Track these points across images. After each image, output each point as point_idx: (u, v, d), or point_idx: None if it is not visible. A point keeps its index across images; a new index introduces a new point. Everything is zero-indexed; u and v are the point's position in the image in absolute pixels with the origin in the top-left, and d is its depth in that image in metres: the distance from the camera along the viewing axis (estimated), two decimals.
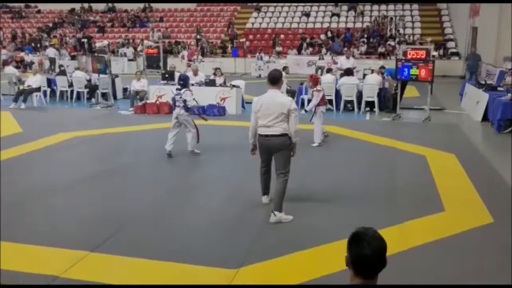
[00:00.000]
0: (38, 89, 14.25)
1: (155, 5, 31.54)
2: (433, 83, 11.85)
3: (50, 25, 31.62)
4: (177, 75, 14.15)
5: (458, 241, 4.97)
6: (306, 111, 9.53)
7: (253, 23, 29.01)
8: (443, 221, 5.54)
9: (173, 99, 8.31)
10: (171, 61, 19.11)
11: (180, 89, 8.22)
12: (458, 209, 5.88)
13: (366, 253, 2.20)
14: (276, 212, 5.42)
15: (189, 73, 14.23)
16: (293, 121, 5.37)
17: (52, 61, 24.18)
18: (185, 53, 24.60)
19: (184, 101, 8.10)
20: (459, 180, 7.05)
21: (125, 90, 15.69)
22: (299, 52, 25.40)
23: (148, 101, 13.09)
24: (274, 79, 5.52)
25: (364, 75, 13.94)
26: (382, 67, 14.08)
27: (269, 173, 5.84)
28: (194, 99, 8.37)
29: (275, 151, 5.49)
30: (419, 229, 5.33)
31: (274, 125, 5.37)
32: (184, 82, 8.34)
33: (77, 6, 32.62)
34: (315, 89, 9.22)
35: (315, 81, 9.44)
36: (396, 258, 4.51)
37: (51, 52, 25.35)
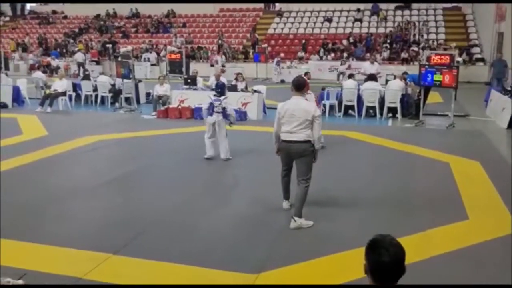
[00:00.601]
0: (63, 94, 14.54)
1: (178, 11, 31.91)
2: (457, 89, 11.68)
3: (76, 30, 32.25)
4: (199, 80, 14.36)
5: (481, 251, 4.87)
6: None
7: (275, 28, 29.09)
8: (466, 229, 5.45)
9: (211, 105, 8.30)
10: (194, 66, 19.27)
11: (218, 96, 8.31)
12: (482, 217, 5.78)
13: (385, 260, 2.19)
14: (296, 218, 5.43)
15: (212, 78, 14.40)
16: (317, 127, 5.42)
17: (81, 65, 24.68)
18: (218, 58, 24.77)
19: (224, 108, 8.23)
20: (483, 188, 6.93)
21: (148, 94, 15.90)
22: (321, 58, 25.36)
23: (170, 106, 13.23)
24: (299, 86, 5.61)
25: (387, 80, 13.83)
26: (405, 72, 13.95)
27: (289, 176, 5.86)
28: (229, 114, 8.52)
29: (297, 157, 5.53)
30: (442, 237, 5.25)
31: (297, 132, 5.42)
32: (221, 89, 8.46)
33: (102, 11, 33.21)
34: (306, 93, 9.33)
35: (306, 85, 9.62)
36: (417, 267, 4.46)
37: (79, 56, 25.85)
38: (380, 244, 2.24)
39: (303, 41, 26.94)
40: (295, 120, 5.41)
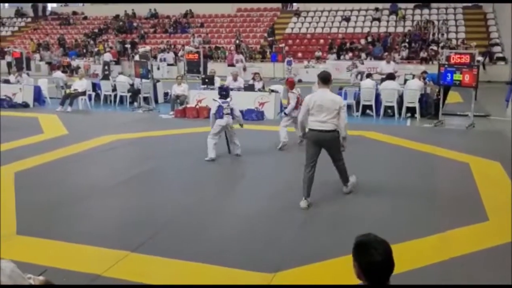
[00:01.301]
0: (83, 93, 14.74)
1: (196, 11, 32.07)
2: (478, 89, 11.50)
3: (96, 31, 32.66)
4: (217, 79, 14.41)
5: (502, 253, 4.79)
6: (285, 113, 9.55)
7: (292, 28, 29.03)
8: (487, 230, 5.38)
9: (220, 108, 8.30)
10: (211, 66, 19.36)
11: (225, 98, 8.42)
12: (502, 218, 5.68)
13: (378, 259, 2.21)
14: (347, 184, 6.34)
15: (229, 78, 14.45)
16: (343, 116, 6.01)
17: (106, 64, 24.98)
18: (240, 57, 24.81)
19: (232, 109, 8.36)
20: (504, 189, 6.81)
21: (166, 94, 16.02)
22: (338, 57, 25.22)
23: (188, 105, 13.31)
24: (325, 79, 6.09)
25: (405, 80, 13.69)
26: (424, 72, 13.80)
27: (314, 172, 6.07)
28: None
29: (327, 144, 6.04)
30: (461, 238, 5.19)
31: (327, 121, 5.91)
32: (226, 92, 8.63)
33: (121, 12, 33.56)
34: (290, 91, 9.51)
35: (290, 84, 9.74)
36: (435, 268, 4.42)
37: (107, 56, 26.16)
38: (368, 244, 2.25)
39: (330, 40, 26.67)
40: (324, 110, 5.89)
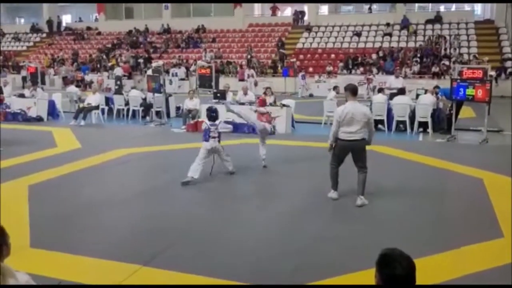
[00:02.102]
0: (96, 107, 14.89)
1: (208, 26, 32.41)
2: (491, 104, 11.43)
3: (109, 46, 33.11)
4: (229, 95, 14.49)
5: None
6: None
7: (303, 43, 29.17)
8: (501, 247, 5.29)
9: (207, 131, 8.04)
10: (223, 80, 19.48)
11: (213, 121, 8.13)
12: None
13: (400, 273, 2.21)
14: (362, 197, 6.51)
15: (240, 92, 14.53)
16: (372, 128, 6.60)
17: (118, 79, 25.30)
18: (252, 72, 24.98)
19: (219, 133, 8.10)
20: None
21: (178, 108, 16.13)
22: (349, 72, 25.24)
23: (200, 120, 13.35)
24: (355, 91, 6.58)
25: (417, 95, 13.66)
26: (437, 86, 13.76)
27: (338, 170, 6.76)
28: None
29: (357, 152, 6.51)
30: (476, 255, 5.12)
31: (358, 132, 6.38)
32: (216, 114, 8.29)
33: (134, 27, 34.02)
34: (259, 109, 9.37)
35: (261, 102, 9.62)
36: (450, 284, 4.36)
37: (118, 71, 26.51)
38: (392, 258, 2.26)
39: (344, 56, 26.66)
40: (356, 122, 6.33)
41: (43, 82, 18.15)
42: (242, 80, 24.15)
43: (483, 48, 24.90)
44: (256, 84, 23.83)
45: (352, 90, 6.50)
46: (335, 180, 6.79)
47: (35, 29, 37.48)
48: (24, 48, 35.73)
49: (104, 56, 31.33)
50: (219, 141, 8.15)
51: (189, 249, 5.29)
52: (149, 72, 16.20)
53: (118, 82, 23.64)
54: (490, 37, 26.20)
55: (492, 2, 26.53)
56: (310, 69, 26.44)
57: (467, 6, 32.22)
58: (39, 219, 6.13)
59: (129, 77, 27.37)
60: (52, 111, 15.59)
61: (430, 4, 32.70)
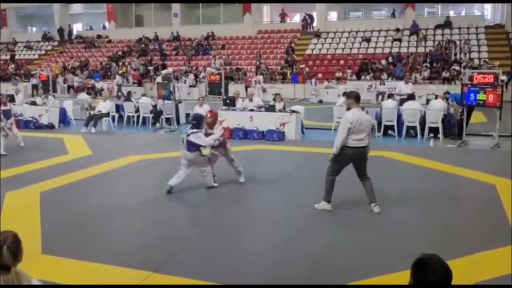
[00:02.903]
0: (107, 115, 14.99)
1: (217, 34, 32.58)
2: (502, 109, 11.33)
3: (120, 53, 33.38)
4: (239, 101, 14.52)
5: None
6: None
7: (312, 49, 29.18)
8: None
9: (182, 139, 7.82)
10: (233, 87, 19.55)
11: (192, 128, 7.72)
12: None
13: (432, 279, 2.18)
14: (375, 203, 6.50)
15: (246, 99, 14.55)
16: (370, 134, 6.60)
17: (119, 86, 25.64)
18: (260, 78, 25.03)
19: (189, 141, 7.63)
20: None
21: (188, 115, 16.16)
22: (359, 78, 25.20)
23: None
24: (358, 98, 6.51)
25: (428, 100, 13.58)
26: (447, 92, 13.68)
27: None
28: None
29: (361, 159, 6.47)
30: (490, 261, 5.06)
31: (365, 138, 6.38)
32: (197, 122, 7.83)
33: (144, 35, 34.31)
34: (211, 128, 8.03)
35: (214, 116, 8.23)
36: None
37: (119, 79, 26.83)
38: (429, 263, 2.24)
39: (365, 61, 26.54)
40: (364, 129, 6.33)
41: (54, 90, 18.31)
42: (248, 86, 24.21)
43: (494, 53, 24.74)
44: (264, 90, 23.86)
45: (356, 98, 6.45)
46: (331, 191, 6.57)
47: (46, 38, 37.95)
48: (36, 56, 36.17)
49: (114, 64, 31.59)
50: (198, 151, 7.72)
51: (200, 255, 5.29)
52: (158, 79, 16.28)
53: (120, 90, 24.01)
54: (501, 41, 26.02)
55: (502, 2, 26.11)
56: (319, 75, 26.42)
57: (477, 11, 32.08)
58: (50, 225, 6.17)
59: (139, 84, 27.56)
60: (63, 118, 15.72)
61: (439, 9, 32.61)
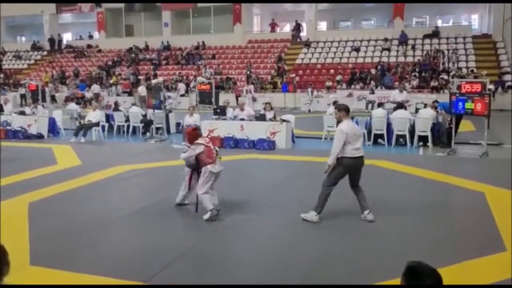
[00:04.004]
0: (97, 124, 14.92)
1: (207, 43, 32.67)
2: (490, 117, 11.45)
3: (110, 63, 33.32)
4: (229, 110, 14.53)
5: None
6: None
7: (302, 59, 29.38)
8: (505, 261, 5.25)
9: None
10: (223, 96, 19.58)
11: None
12: None
13: (430, 284, 2.20)
14: (369, 211, 6.56)
15: (236, 109, 14.57)
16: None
17: (97, 95, 25.76)
18: (251, 87, 25.08)
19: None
20: None
21: (178, 124, 16.17)
22: (349, 87, 25.37)
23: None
24: (348, 110, 6.67)
25: (417, 109, 13.70)
26: (436, 101, 13.81)
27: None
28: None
29: (359, 169, 6.58)
30: (479, 269, 5.08)
31: (360, 148, 6.51)
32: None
33: (135, 44, 34.30)
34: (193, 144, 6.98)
35: (188, 134, 7.26)
36: None
37: (96, 88, 27.08)
38: (419, 270, 2.25)
39: (355, 70, 26.74)
40: (358, 138, 6.51)
41: (43, 100, 18.20)
42: (238, 96, 24.27)
43: (481, 62, 25.10)
44: (254, 99, 23.95)
45: (346, 110, 6.61)
46: (324, 204, 6.53)
47: (36, 47, 37.79)
48: (25, 66, 36.00)
49: (105, 73, 31.51)
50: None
51: (190, 266, 5.26)
52: (140, 89, 16.18)
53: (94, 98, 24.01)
54: (488, 51, 26.40)
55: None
56: (310, 84, 26.54)
57: (464, 21, 32.57)
58: (39, 236, 6.10)
59: (130, 93, 27.49)
60: (53, 128, 15.64)
61: (428, 19, 33.05)
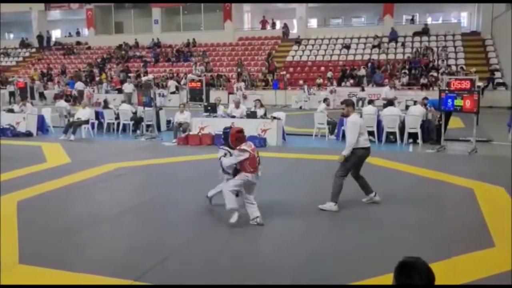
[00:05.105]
0: (86, 122, 14.81)
1: (198, 40, 32.57)
2: (479, 114, 11.55)
3: (99, 60, 33.09)
4: (220, 108, 14.49)
5: (509, 279, 4.73)
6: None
7: (293, 56, 29.38)
8: (493, 257, 5.31)
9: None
10: (214, 94, 19.55)
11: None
12: (509, 244, 5.62)
13: (417, 283, 2.18)
14: (375, 192, 7.26)
15: (231, 105, 14.55)
16: None
17: (81, 93, 25.55)
18: (242, 84, 25.04)
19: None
20: (509, 215, 6.74)
21: (168, 122, 16.11)
22: (339, 84, 25.43)
23: (190, 133, 13.36)
24: (354, 104, 7.48)
25: (407, 106, 13.77)
26: (425, 98, 13.89)
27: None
28: (223, 156, 6.59)
29: (365, 160, 7.16)
30: (468, 265, 5.13)
31: (367, 138, 7.15)
32: (224, 136, 6.84)
33: (125, 41, 34.08)
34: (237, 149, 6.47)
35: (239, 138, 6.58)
36: None
37: (80, 85, 26.92)
38: (411, 266, 2.24)
39: (345, 67, 26.72)
40: (366, 130, 7.30)
41: (32, 97, 18.03)
42: (231, 93, 24.23)
43: (470, 60, 25.27)
44: (245, 97, 23.92)
45: (353, 105, 7.31)
46: (339, 193, 6.92)
47: (24, 44, 37.43)
48: (14, 63, 35.63)
49: (95, 70, 31.27)
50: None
51: (181, 263, 5.24)
52: (125, 86, 15.94)
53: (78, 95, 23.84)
54: (477, 48, 26.60)
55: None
56: (300, 82, 26.58)
57: (453, 19, 32.79)
58: (28, 235, 6.04)
59: (120, 91, 27.30)
60: (42, 126, 15.49)
61: (417, 17, 33.21)
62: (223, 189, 6.44)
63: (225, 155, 6.56)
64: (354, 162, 7.00)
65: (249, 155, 6.22)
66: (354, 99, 21.79)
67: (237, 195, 6.34)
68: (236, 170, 6.40)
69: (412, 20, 32.49)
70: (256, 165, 6.34)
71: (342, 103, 7.33)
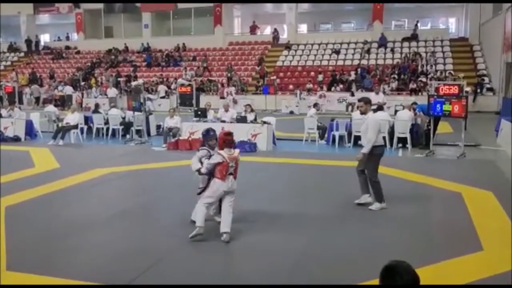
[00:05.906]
0: (75, 127, 14.71)
1: (188, 45, 32.56)
2: (468, 119, 11.65)
3: (89, 65, 32.92)
4: (210, 112, 14.47)
5: (498, 282, 4.77)
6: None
7: (283, 61, 29.48)
8: (482, 261, 5.35)
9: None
10: (204, 98, 19.53)
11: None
12: (497, 248, 5.68)
13: (401, 285, 2.19)
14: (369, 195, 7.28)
15: (221, 110, 14.55)
16: None
17: (69, 98, 25.46)
18: (232, 89, 25.04)
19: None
20: (497, 219, 6.83)
21: (158, 127, 16.05)
22: (329, 89, 25.56)
23: (180, 138, 13.33)
24: (371, 102, 7.49)
25: (396, 111, 13.87)
26: (414, 103, 14.00)
27: None
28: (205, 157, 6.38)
29: None
30: (456, 269, 5.15)
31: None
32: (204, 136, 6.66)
33: (114, 46, 33.96)
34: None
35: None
36: None
37: (68, 89, 26.87)
38: (396, 270, 2.25)
39: (335, 72, 26.88)
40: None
41: (20, 102, 17.87)
42: (222, 98, 24.25)
43: (458, 65, 25.54)
44: (235, 102, 23.95)
45: (370, 102, 7.41)
46: (382, 191, 7.14)
47: (13, 49, 37.11)
48: (1, 67, 35.29)
49: (84, 75, 31.10)
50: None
51: (172, 267, 5.21)
52: (109, 91, 15.90)
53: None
54: (465, 54, 26.90)
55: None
56: (290, 87, 26.69)
57: (442, 25, 33.15)
58: (15, 241, 5.97)
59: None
60: (30, 131, 15.35)
61: (406, 22, 33.53)
62: (198, 203, 6.23)
63: (205, 155, 6.37)
64: (378, 160, 7.17)
65: (222, 160, 5.94)
66: (344, 104, 22.14)
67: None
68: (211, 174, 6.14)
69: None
70: (225, 173, 5.94)
71: (359, 100, 7.54)
